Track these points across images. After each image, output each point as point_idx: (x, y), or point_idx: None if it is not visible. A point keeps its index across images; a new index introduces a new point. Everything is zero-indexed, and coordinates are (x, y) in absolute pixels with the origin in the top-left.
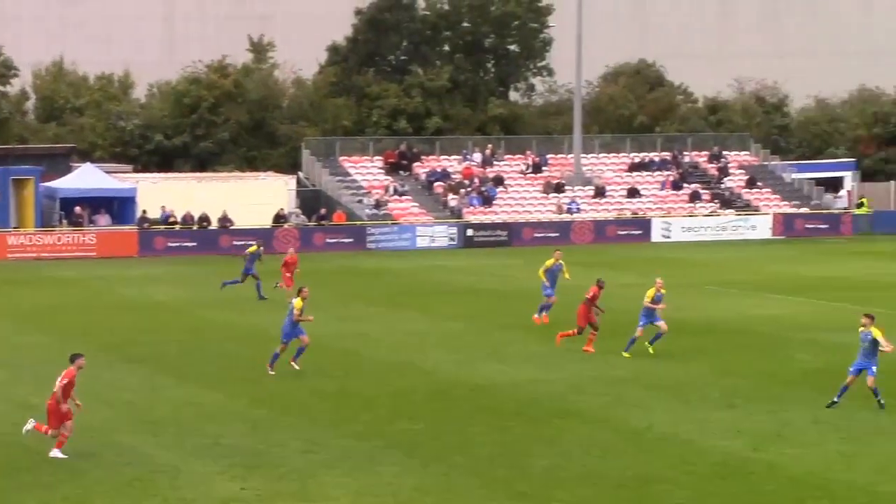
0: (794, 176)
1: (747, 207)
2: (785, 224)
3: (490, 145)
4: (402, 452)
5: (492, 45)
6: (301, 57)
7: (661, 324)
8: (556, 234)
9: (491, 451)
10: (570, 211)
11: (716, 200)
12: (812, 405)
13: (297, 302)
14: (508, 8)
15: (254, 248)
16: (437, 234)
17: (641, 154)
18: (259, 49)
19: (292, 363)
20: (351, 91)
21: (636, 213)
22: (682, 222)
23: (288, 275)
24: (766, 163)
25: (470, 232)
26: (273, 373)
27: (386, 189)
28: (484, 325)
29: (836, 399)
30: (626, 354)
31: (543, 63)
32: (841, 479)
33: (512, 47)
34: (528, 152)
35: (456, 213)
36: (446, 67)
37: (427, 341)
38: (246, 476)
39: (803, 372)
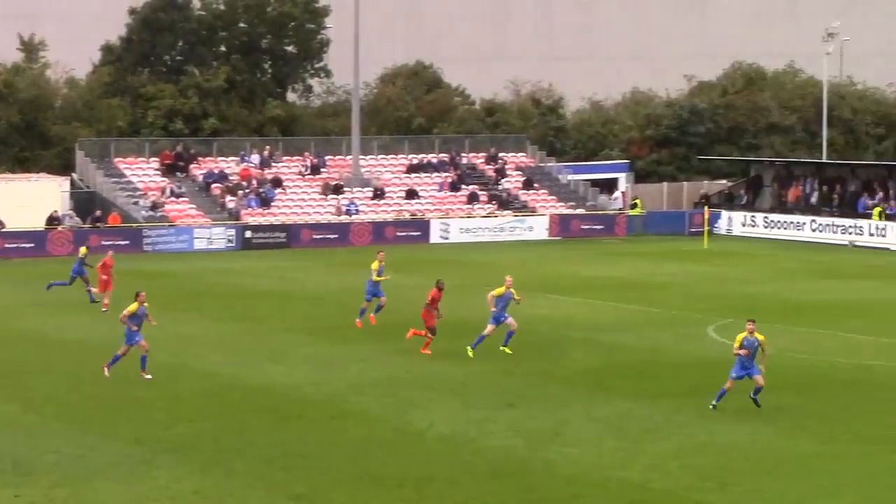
0: (569, 177)
1: (524, 208)
2: (561, 225)
3: (268, 147)
4: (179, 456)
5: (269, 46)
6: (74, 57)
7: (511, 321)
8: (336, 236)
9: (270, 454)
10: (348, 212)
11: (493, 202)
12: (588, 403)
13: (132, 306)
14: (285, 9)
15: (84, 249)
16: (214, 236)
17: (420, 155)
18: (30, 48)
19: (143, 374)
20: (126, 91)
21: (415, 215)
22: (460, 223)
23: (105, 277)
24: (542, 164)
25: (248, 234)
26: (108, 375)
27: (162, 191)
28: (263, 327)
29: (714, 403)
30: (470, 351)
31: (321, 64)
32: (616, 477)
33: (289, 48)
34: (307, 154)
35: (234, 215)
36: (223, 68)
37: (205, 344)
38: (19, 483)
39: (580, 371)
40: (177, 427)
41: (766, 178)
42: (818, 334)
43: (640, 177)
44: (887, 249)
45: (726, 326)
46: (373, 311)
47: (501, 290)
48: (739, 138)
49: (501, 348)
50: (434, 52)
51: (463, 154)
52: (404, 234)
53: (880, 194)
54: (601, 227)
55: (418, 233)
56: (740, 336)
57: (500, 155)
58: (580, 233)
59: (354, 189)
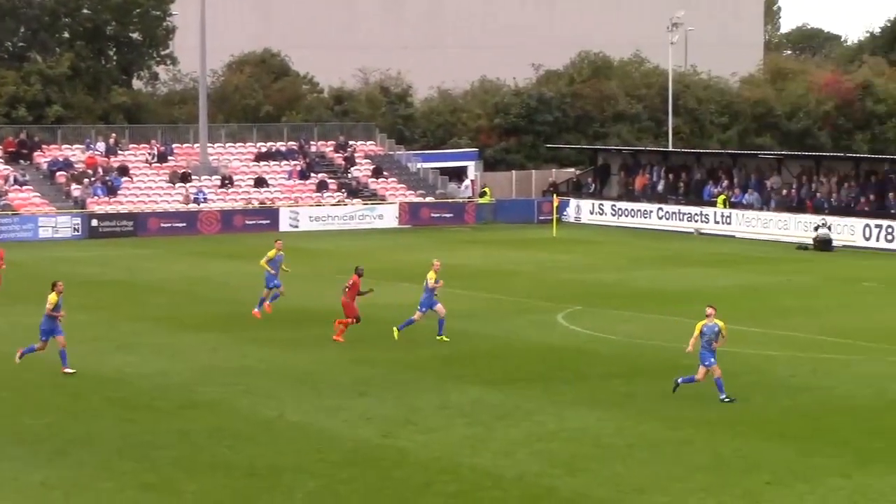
0: (419, 165)
1: (374, 197)
2: (411, 213)
3: (114, 134)
4: (26, 448)
5: (113, 33)
6: None
7: (440, 307)
8: (184, 224)
9: (119, 444)
10: (196, 201)
11: (343, 190)
12: (439, 391)
13: (52, 297)
14: None
15: None
16: (60, 225)
17: (268, 144)
18: None
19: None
20: None
21: (264, 203)
22: (309, 212)
23: None
24: (391, 153)
25: (94, 222)
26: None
27: (6, 179)
28: (111, 316)
29: (678, 382)
30: (396, 332)
31: (167, 51)
32: (467, 463)
33: (134, 35)
34: (153, 141)
35: (79, 204)
36: (66, 55)
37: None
38: None
39: (430, 358)
40: (23, 418)
41: (614, 166)
42: (665, 321)
43: (489, 165)
44: (732, 237)
45: (575, 314)
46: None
47: (273, 252)
48: (587, 127)
49: (438, 337)
50: (282, 39)
51: (312, 142)
52: (253, 222)
53: (725, 182)
54: (451, 215)
55: (267, 221)
56: (700, 323)
57: (350, 143)
58: (430, 221)
59: (202, 177)
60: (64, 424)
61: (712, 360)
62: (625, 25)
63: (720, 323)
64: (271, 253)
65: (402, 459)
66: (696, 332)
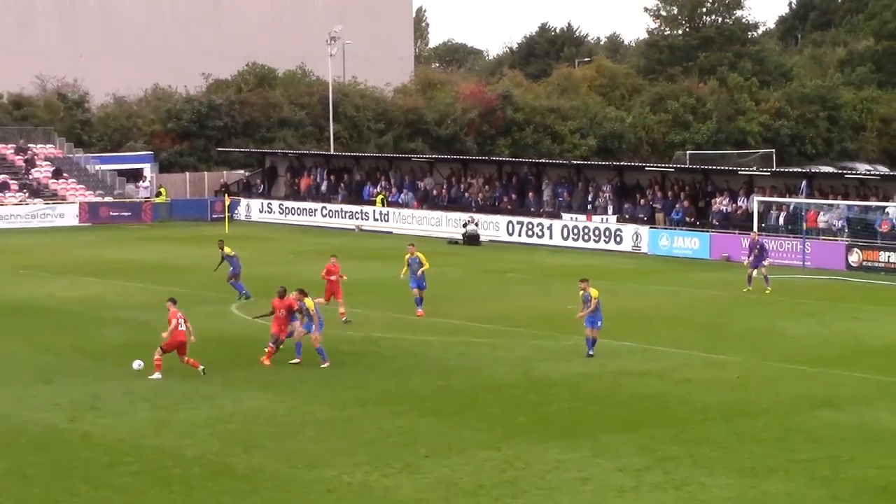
0: (97, 167)
1: (55, 196)
2: (91, 212)
3: None
4: None
5: None
6: None
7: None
8: None
9: None
10: None
11: (24, 190)
12: (122, 378)
13: None
14: None
15: None
16: None
17: None
18: None
19: None
20: None
21: None
22: None
23: None
24: (70, 155)
25: None
26: None
27: None
28: None
29: (590, 353)
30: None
31: None
32: (151, 444)
33: None
34: None
35: None
36: None
37: None
38: None
39: (112, 347)
40: None
41: (281, 168)
42: (333, 311)
43: (164, 167)
44: (390, 233)
45: (247, 304)
46: None
47: (407, 257)
48: (255, 132)
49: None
50: None
51: None
52: None
53: (383, 182)
54: (129, 213)
55: None
56: (580, 294)
57: (29, 146)
58: (109, 219)
59: None
60: None
61: (598, 323)
62: (289, 39)
63: (594, 292)
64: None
65: (88, 442)
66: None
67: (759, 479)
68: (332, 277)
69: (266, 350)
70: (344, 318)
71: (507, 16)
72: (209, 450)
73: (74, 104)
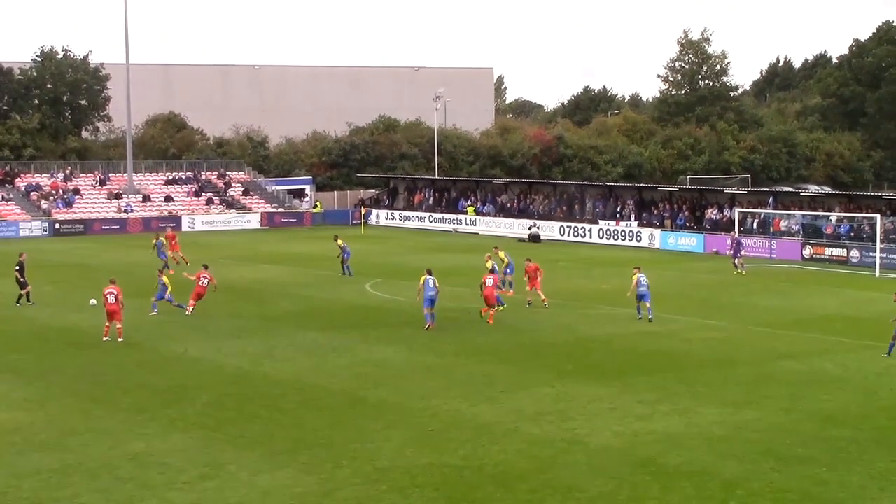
0: (273, 188)
1: (244, 208)
2: (269, 219)
3: (69, 167)
4: (16, 375)
5: (68, 100)
6: None
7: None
8: (118, 227)
9: (76, 372)
10: (126, 211)
11: (223, 204)
12: (291, 335)
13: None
14: (78, 76)
15: None
16: (34, 228)
17: (173, 173)
18: None
19: None
20: None
21: (171, 212)
22: (202, 218)
23: None
24: (255, 179)
25: (57, 226)
26: None
27: None
28: (67, 287)
29: (650, 318)
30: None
31: (105, 112)
32: (309, 382)
33: (82, 101)
34: (97, 172)
35: (47, 213)
36: (36, 115)
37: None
38: None
39: (284, 313)
40: (10, 355)
41: (400, 187)
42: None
43: (320, 187)
44: (477, 233)
45: (377, 284)
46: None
47: (504, 261)
48: (382, 163)
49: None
50: (181, 104)
51: (202, 172)
52: (164, 225)
53: (472, 198)
54: (295, 220)
55: (173, 224)
56: (633, 277)
57: (227, 173)
58: (281, 224)
59: (130, 195)
60: (39, 359)
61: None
62: (407, 98)
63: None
64: (501, 255)
65: (266, 380)
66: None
67: (739, 408)
68: (532, 270)
69: (492, 312)
70: (545, 303)
71: (561, 80)
72: (349, 386)
73: (258, 144)
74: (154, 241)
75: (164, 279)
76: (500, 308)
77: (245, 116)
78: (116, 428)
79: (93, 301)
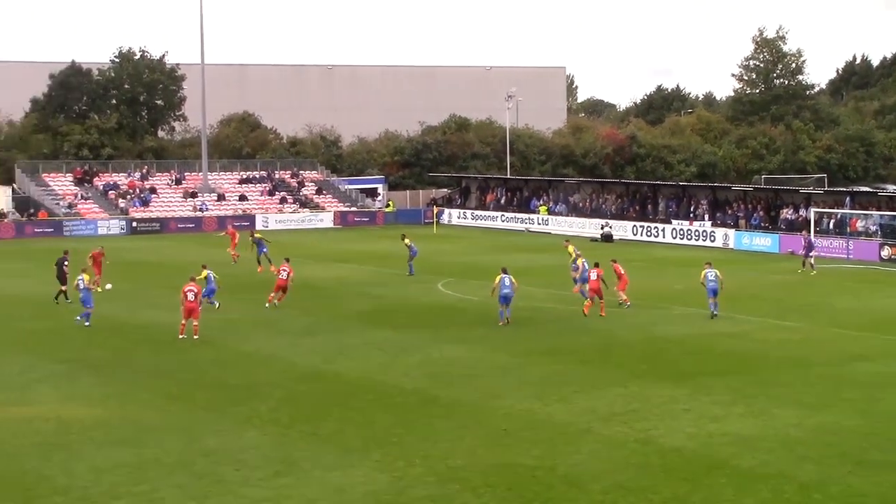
0: (346, 187)
1: (317, 207)
2: (342, 218)
3: (146, 166)
4: (95, 371)
5: (145, 100)
6: (12, 107)
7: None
8: (193, 225)
9: (152, 368)
10: (201, 210)
11: (296, 203)
12: (362, 333)
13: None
14: (154, 76)
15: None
16: (112, 226)
17: (247, 173)
18: None
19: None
20: (48, 130)
21: (245, 211)
22: (276, 217)
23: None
24: (328, 178)
25: (134, 224)
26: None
27: (75, 196)
28: (143, 285)
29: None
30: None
31: (180, 112)
32: (380, 380)
33: (158, 102)
34: (172, 171)
35: (124, 212)
36: (114, 115)
37: (105, 297)
38: None
39: (356, 312)
40: (91, 351)
41: (472, 187)
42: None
43: (392, 186)
44: (549, 233)
45: (449, 283)
46: None
47: (572, 255)
48: (454, 162)
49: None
50: (255, 104)
51: (276, 171)
52: (239, 224)
53: (544, 197)
54: (367, 219)
55: (248, 223)
56: (703, 272)
57: (301, 172)
58: (354, 223)
59: (205, 194)
60: (116, 356)
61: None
62: (480, 98)
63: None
64: (570, 250)
65: (338, 378)
66: (702, 278)
67: (815, 411)
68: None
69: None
70: (627, 304)
71: (634, 79)
72: (421, 385)
73: (331, 143)
74: (250, 238)
75: (214, 275)
76: (589, 302)
77: (318, 116)
78: (192, 424)
79: (109, 286)
